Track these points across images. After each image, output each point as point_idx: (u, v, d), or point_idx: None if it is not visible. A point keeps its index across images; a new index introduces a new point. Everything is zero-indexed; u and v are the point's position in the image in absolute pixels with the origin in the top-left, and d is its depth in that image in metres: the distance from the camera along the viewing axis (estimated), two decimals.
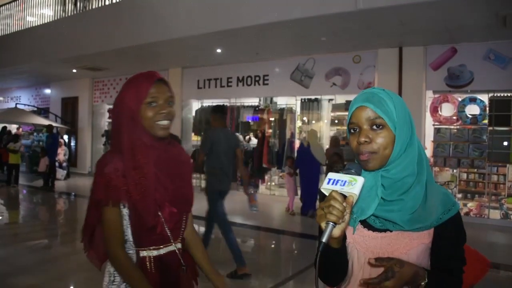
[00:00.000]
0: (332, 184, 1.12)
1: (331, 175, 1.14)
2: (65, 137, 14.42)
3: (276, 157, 10.37)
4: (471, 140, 8.03)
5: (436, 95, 8.40)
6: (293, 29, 7.60)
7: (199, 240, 1.90)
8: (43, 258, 5.28)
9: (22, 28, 13.07)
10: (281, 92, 10.45)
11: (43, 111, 15.85)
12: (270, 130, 10.60)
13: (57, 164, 12.22)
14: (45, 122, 13.63)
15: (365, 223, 1.28)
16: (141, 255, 1.61)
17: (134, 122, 1.56)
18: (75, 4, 11.34)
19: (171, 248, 1.66)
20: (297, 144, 10.32)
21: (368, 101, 1.21)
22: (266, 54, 9.87)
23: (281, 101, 10.76)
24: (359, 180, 1.10)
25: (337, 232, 1.09)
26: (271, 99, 10.95)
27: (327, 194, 1.11)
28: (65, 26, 11.06)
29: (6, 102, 18.56)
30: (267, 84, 10.45)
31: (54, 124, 12.98)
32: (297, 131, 10.40)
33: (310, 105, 10.01)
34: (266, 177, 11.16)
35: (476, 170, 8.26)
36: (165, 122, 1.59)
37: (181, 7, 8.38)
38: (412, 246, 1.24)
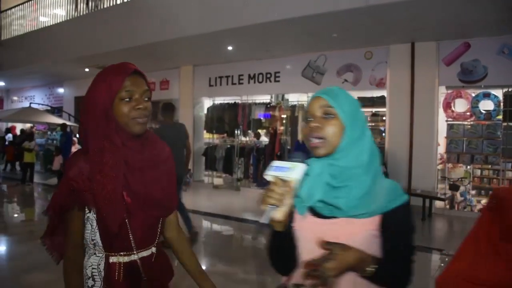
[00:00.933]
0: (275, 171, 1.21)
1: (275, 162, 1.24)
2: (78, 135, 14.53)
3: (288, 154, 10.36)
4: (485, 136, 7.93)
5: (449, 91, 8.32)
6: (304, 25, 7.57)
7: (185, 243, 1.78)
8: None
9: (35, 28, 13.20)
10: (293, 89, 10.42)
11: (56, 110, 16.01)
12: (282, 127, 10.60)
13: None
14: (59, 121, 13.76)
15: (314, 211, 1.33)
16: (110, 260, 1.50)
17: (107, 119, 1.43)
18: (87, 4, 11.43)
19: (135, 257, 1.53)
20: None
21: (324, 93, 1.32)
22: (277, 51, 9.85)
23: (293, 98, 10.74)
24: (299, 166, 1.19)
25: (277, 214, 1.18)
26: (283, 96, 10.93)
27: (271, 180, 1.20)
28: (77, 25, 11.16)
29: (20, 101, 18.78)
30: (278, 81, 10.43)
31: (67, 123, 13.09)
32: None
33: None
34: None
35: (490, 166, 8.18)
36: (141, 119, 1.46)
37: (191, 5, 8.40)
38: (356, 232, 1.27)
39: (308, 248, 1.30)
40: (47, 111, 15.71)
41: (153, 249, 1.61)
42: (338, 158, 1.28)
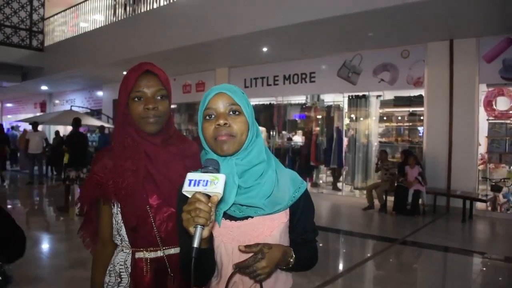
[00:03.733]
0: (194, 185, 1.07)
1: (191, 175, 1.10)
2: None
3: (324, 155, 10.29)
4: None
5: (490, 89, 8.05)
6: (339, 25, 7.52)
7: None
8: None
9: (76, 34, 13.63)
10: (328, 89, 10.35)
11: (96, 113, 16.47)
12: (318, 128, 10.54)
13: None
14: (98, 123, 14.16)
15: (226, 215, 1.30)
16: (136, 256, 1.51)
17: (125, 117, 1.49)
18: (125, 9, 11.70)
19: (161, 253, 1.52)
20: (345, 141, 10.22)
21: (225, 89, 1.28)
22: (312, 52, 9.80)
23: (328, 99, 10.67)
24: (221, 178, 1.07)
25: (205, 233, 1.06)
26: (318, 96, 10.87)
27: (189, 196, 1.08)
28: (115, 30, 11.49)
29: (62, 105, 19.42)
30: (313, 81, 10.39)
31: (105, 125, 13.45)
32: (344, 128, 10.27)
33: (357, 102, 9.87)
34: (314, 175, 11.12)
35: None
36: (151, 119, 1.46)
37: (225, 7, 8.48)
38: (274, 226, 1.30)
39: (229, 253, 1.29)
40: (87, 113, 16.18)
41: None
42: (242, 157, 1.28)
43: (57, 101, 20.20)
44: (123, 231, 1.51)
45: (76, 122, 8.49)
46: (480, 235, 7.16)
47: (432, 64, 8.45)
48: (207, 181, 1.07)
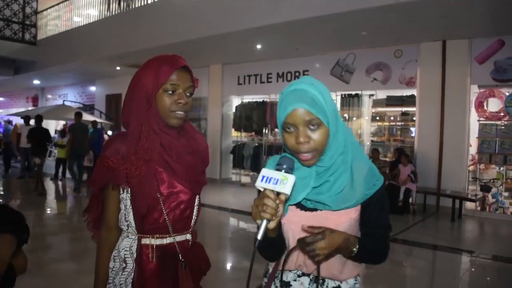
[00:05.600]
0: (266, 182, 1.16)
1: (265, 172, 1.18)
2: (109, 132, 14.86)
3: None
4: None
5: (482, 90, 8.13)
6: (333, 23, 7.53)
7: None
8: (90, 247, 5.52)
9: (69, 28, 13.56)
10: None
11: (88, 108, 16.38)
12: None
13: None
14: (91, 118, 14.08)
15: (298, 204, 1.35)
16: (142, 242, 1.53)
17: (148, 104, 1.48)
18: (119, 4, 11.65)
19: (171, 239, 1.56)
20: None
21: (301, 101, 1.24)
22: (306, 50, 9.83)
23: None
24: (290, 179, 1.14)
25: (272, 225, 1.15)
26: None
27: (261, 190, 1.17)
28: (109, 25, 11.44)
29: (54, 99, 19.32)
30: None
31: (98, 120, 13.38)
32: None
33: (350, 101, 9.91)
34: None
35: None
36: (180, 113, 1.50)
37: (221, 4, 8.48)
38: (340, 222, 1.32)
39: (294, 239, 1.33)
40: (80, 108, 16.10)
41: (188, 236, 1.63)
42: (322, 159, 1.29)
43: (49, 96, 20.09)
44: (131, 217, 1.53)
45: (38, 119, 9.93)
46: (469, 234, 7.22)
47: (425, 64, 8.50)
48: (277, 180, 1.15)
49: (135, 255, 1.54)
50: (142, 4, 10.69)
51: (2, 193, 10.15)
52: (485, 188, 8.11)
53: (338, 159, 1.30)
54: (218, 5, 8.52)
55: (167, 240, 1.56)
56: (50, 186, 11.14)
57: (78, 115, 10.54)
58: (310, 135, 1.24)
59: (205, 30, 8.75)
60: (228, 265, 5.17)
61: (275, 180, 1.15)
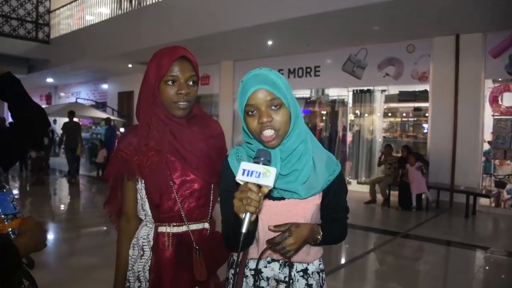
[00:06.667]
0: (247, 175, 1.15)
1: (245, 165, 1.17)
2: (122, 129, 14.97)
3: (328, 149, 10.25)
4: None
5: (496, 84, 8.02)
6: (345, 19, 7.48)
7: None
8: (102, 242, 5.60)
9: (82, 26, 13.66)
10: (333, 83, 10.33)
11: (101, 105, 16.52)
12: (322, 124, 10.52)
13: None
14: (103, 115, 14.22)
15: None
16: (159, 230, 1.57)
17: (153, 97, 1.53)
18: (130, 2, 11.70)
19: (187, 228, 1.58)
20: (349, 136, 10.21)
21: (262, 83, 1.29)
22: (317, 46, 9.78)
23: (333, 93, 10.65)
24: (273, 172, 1.15)
25: (253, 218, 1.17)
26: (323, 91, 10.85)
27: (241, 184, 1.17)
28: (121, 23, 11.51)
29: (67, 97, 19.51)
30: (318, 75, 10.36)
31: (111, 117, 13.50)
32: (349, 122, 10.25)
33: (362, 97, 9.85)
34: None
35: None
36: (183, 103, 1.52)
37: (232, 0, 8.47)
38: (308, 208, 1.40)
39: (265, 229, 1.39)
40: (92, 106, 16.24)
41: (206, 225, 1.66)
42: (285, 142, 1.34)
43: (62, 94, 20.29)
44: (147, 207, 1.57)
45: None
46: (483, 230, 7.14)
47: (438, 59, 8.41)
48: (259, 173, 1.15)
49: (152, 243, 1.58)
50: (153, 1, 10.72)
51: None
52: (500, 184, 8.00)
53: (301, 145, 1.36)
54: (228, 1, 8.51)
55: (183, 228, 1.59)
56: (63, 182, 11.26)
57: (71, 114, 10.99)
58: (272, 115, 1.29)
59: (216, 27, 8.75)
60: None
61: (257, 173, 1.15)
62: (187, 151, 1.54)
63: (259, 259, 1.42)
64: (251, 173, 1.16)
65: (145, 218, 1.60)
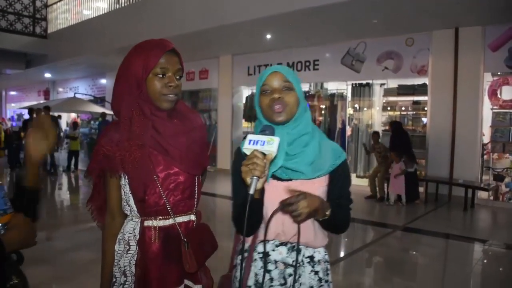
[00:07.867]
0: (253, 144, 1.29)
1: (251, 136, 1.32)
2: None
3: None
4: None
5: (495, 78, 8.01)
6: (343, 12, 7.46)
7: None
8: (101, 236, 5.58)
9: (79, 21, 13.61)
10: (332, 77, 10.30)
11: (99, 100, 16.47)
12: (321, 118, 10.51)
13: None
14: (101, 110, 14.17)
15: (273, 176, 1.49)
16: (145, 224, 1.56)
17: (138, 90, 1.50)
18: None
19: (173, 221, 1.58)
20: (348, 130, 10.20)
21: (279, 68, 1.51)
22: (316, 39, 9.75)
23: (332, 87, 10.63)
24: (276, 140, 1.28)
25: (259, 185, 1.29)
26: (322, 84, 10.83)
27: (248, 154, 1.29)
28: (119, 17, 11.46)
29: (66, 92, 19.45)
30: (317, 69, 10.34)
31: (107, 111, 13.45)
32: (347, 116, 10.24)
33: (361, 90, 9.83)
34: None
35: None
36: (172, 96, 1.52)
37: None
38: (314, 189, 1.45)
39: (272, 208, 1.43)
40: (91, 101, 16.20)
41: (192, 217, 1.66)
42: (292, 127, 1.48)
43: (60, 89, 20.22)
44: (132, 202, 1.55)
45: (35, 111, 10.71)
46: (482, 223, 7.16)
47: (437, 53, 8.39)
48: (264, 141, 1.28)
49: (138, 237, 1.56)
50: None
51: None
52: (499, 178, 8.02)
53: (307, 135, 1.49)
54: None
55: (169, 222, 1.58)
56: (63, 178, 11.26)
57: (46, 108, 11.19)
58: (283, 95, 1.46)
59: (214, 21, 8.72)
60: None
61: (262, 142, 1.28)
62: (169, 144, 1.53)
63: (266, 230, 1.47)
64: (256, 142, 1.29)
65: (131, 213, 1.59)
